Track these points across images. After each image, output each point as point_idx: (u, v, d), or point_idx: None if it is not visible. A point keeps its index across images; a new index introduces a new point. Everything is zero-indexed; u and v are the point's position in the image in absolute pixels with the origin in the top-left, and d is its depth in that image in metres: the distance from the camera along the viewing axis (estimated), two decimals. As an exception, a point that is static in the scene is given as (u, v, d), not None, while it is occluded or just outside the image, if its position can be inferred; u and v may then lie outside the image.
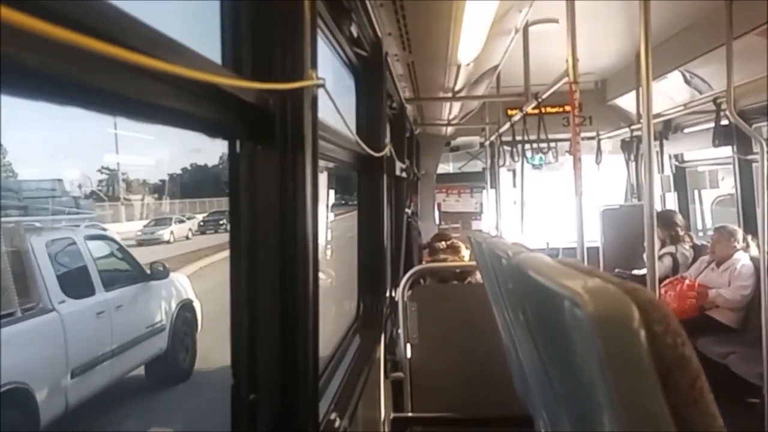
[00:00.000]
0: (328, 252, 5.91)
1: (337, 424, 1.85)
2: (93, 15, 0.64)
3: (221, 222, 9.98)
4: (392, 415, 3.38)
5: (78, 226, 5.78)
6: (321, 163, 1.76)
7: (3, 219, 4.95)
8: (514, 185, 7.70)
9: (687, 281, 5.26)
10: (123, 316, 5.12)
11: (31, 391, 3.99)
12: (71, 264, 4.90)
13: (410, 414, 3.46)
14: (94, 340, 4.69)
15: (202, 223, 10.57)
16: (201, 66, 0.89)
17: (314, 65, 1.30)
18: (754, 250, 5.08)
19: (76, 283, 4.74)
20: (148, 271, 5.70)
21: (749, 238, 5.21)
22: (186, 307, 6.03)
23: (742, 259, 5.10)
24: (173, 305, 5.83)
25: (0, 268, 4.17)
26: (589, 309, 0.68)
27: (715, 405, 0.68)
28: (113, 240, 5.95)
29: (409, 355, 3.46)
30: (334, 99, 1.62)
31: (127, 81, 0.73)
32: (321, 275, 1.49)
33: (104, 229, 6.58)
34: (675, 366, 0.65)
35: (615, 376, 0.68)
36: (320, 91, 1.37)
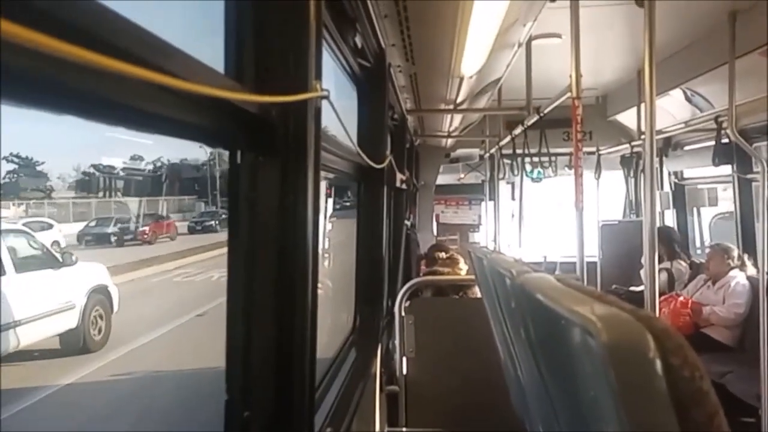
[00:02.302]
0: (325, 263, 5.90)
1: (331, 439, 1.82)
2: (92, 19, 0.62)
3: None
4: (387, 429, 3.34)
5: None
6: (321, 173, 1.73)
7: None
8: (513, 198, 7.68)
9: (681, 298, 5.25)
10: (33, 293, 6.12)
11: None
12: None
13: (404, 429, 3.43)
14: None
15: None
16: (203, 77, 0.87)
17: (318, 76, 1.28)
18: (750, 269, 5.07)
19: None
20: (60, 259, 6.67)
21: (745, 256, 5.20)
22: (99, 290, 6.89)
23: (737, 277, 5.08)
24: (86, 288, 6.67)
25: None
26: (603, 337, 0.65)
27: None
28: (28, 233, 6.96)
29: (405, 368, 3.43)
30: (337, 110, 1.60)
31: (127, 90, 0.70)
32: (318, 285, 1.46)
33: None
34: (692, 401, 0.62)
35: (628, 407, 0.65)
36: (323, 102, 1.35)
